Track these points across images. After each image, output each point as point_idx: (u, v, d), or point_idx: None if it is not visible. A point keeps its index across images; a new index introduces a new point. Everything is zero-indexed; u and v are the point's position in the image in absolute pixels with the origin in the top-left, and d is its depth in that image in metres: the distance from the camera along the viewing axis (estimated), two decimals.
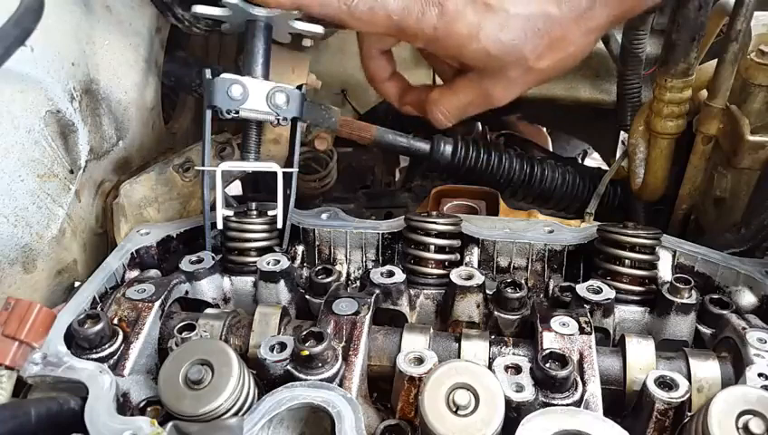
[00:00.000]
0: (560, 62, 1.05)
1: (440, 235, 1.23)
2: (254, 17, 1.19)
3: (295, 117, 1.25)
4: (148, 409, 0.91)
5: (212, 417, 0.84)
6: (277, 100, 1.20)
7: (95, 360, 0.96)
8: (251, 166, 1.29)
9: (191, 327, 1.03)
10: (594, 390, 0.92)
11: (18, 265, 1.12)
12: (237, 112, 1.19)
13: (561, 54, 1.05)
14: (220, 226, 1.23)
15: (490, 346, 1.02)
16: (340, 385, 0.92)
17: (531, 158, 1.80)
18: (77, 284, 1.19)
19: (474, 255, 1.26)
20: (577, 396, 0.90)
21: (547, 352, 0.93)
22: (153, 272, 1.24)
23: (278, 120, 1.23)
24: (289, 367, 0.92)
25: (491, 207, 1.64)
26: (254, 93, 1.19)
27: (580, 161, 2.75)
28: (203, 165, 1.22)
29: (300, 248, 1.32)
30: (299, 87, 1.25)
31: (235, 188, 2.34)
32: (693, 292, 1.11)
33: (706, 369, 0.99)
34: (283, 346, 0.94)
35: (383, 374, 1.01)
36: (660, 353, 1.02)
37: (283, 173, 1.25)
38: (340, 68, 2.09)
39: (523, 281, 1.15)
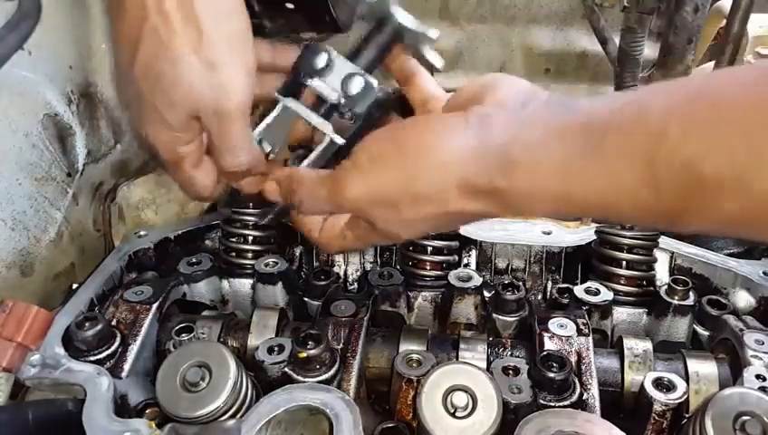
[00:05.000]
0: None
1: (438, 236, 1.23)
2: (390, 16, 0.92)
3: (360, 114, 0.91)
4: (147, 411, 0.91)
5: (210, 419, 0.84)
6: (351, 87, 0.90)
7: (93, 362, 0.95)
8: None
9: (189, 329, 1.03)
10: (592, 391, 0.92)
11: (16, 269, 1.12)
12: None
13: None
14: None
15: (488, 348, 1.02)
16: (339, 387, 0.92)
17: None
18: (75, 286, 1.19)
19: (472, 256, 1.26)
20: (575, 398, 0.90)
21: (545, 353, 0.93)
22: (151, 274, 1.23)
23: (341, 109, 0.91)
24: (287, 369, 0.92)
25: None
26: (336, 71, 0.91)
27: None
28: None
29: (298, 250, 1.32)
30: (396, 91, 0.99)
31: None
32: (690, 293, 1.11)
33: (704, 370, 0.99)
34: (281, 348, 0.94)
35: (381, 376, 1.01)
36: (658, 355, 1.02)
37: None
38: None
39: (521, 283, 1.15)
